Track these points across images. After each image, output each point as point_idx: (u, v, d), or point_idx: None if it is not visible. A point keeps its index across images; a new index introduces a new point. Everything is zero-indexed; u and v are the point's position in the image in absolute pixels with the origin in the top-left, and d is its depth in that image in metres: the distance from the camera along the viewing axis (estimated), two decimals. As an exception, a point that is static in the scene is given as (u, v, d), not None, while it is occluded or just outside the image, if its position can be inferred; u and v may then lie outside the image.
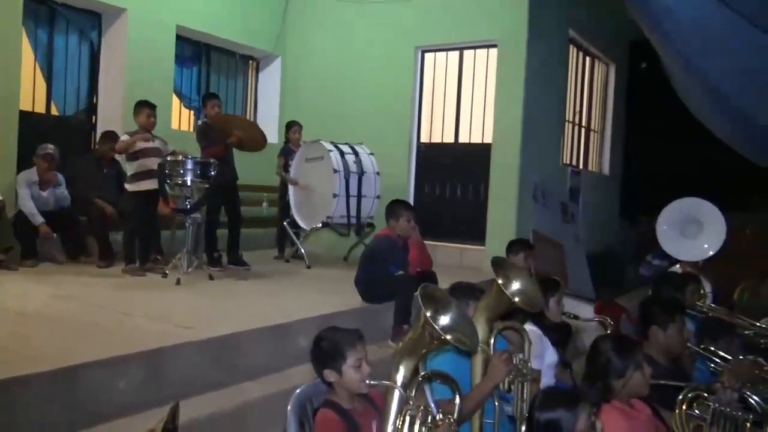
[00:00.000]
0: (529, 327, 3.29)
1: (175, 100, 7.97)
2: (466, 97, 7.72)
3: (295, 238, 6.75)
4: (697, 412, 2.42)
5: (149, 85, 6.95)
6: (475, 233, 7.27)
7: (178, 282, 4.97)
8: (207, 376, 3.31)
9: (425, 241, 5.85)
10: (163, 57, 7.41)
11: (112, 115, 6.98)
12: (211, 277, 5.31)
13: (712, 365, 3.10)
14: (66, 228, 5.84)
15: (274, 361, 3.70)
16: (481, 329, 2.91)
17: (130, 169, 5.56)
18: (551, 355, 3.61)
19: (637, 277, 7.48)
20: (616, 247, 10.03)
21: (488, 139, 7.35)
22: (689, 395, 2.45)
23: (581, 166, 9.20)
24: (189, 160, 5.16)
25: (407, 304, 4.44)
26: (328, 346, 2.44)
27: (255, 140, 6.01)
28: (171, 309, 4.17)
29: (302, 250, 6.62)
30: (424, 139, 7.92)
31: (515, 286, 2.97)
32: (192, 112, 8.36)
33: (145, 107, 5.61)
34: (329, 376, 2.43)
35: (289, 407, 2.42)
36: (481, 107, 7.58)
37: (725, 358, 3.04)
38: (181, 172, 5.14)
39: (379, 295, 4.60)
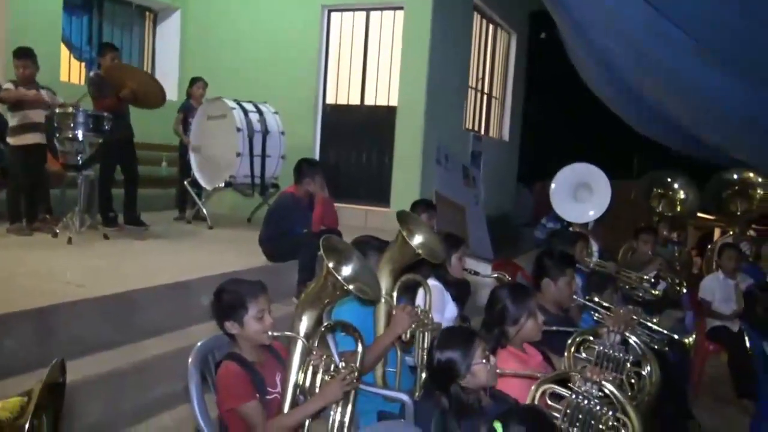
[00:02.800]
0: (431, 281, 3.40)
1: (66, 51, 7.44)
2: (373, 60, 7.70)
3: (196, 198, 6.55)
4: (584, 355, 2.60)
5: (34, 33, 6.44)
6: (380, 195, 7.36)
7: (69, 241, 4.71)
8: (102, 335, 3.18)
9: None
10: (50, 3, 6.87)
11: (-9, 63, 6.44)
12: (105, 237, 5.07)
13: (597, 315, 3.32)
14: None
15: (174, 320, 3.61)
16: (385, 281, 2.98)
17: (12, 120, 5.16)
18: (451, 310, 3.74)
19: (533, 239, 7.88)
20: (514, 210, 10.47)
21: (394, 102, 7.40)
22: (577, 339, 2.62)
23: (482, 132, 9.47)
24: (80, 113, 4.85)
25: (311, 261, 4.44)
26: (229, 298, 2.42)
27: (151, 95, 5.65)
28: (61, 268, 3.94)
29: (204, 211, 6.44)
30: (330, 100, 7.86)
31: (418, 239, 3.06)
32: (83, 64, 7.84)
33: (17, 58, 5.17)
34: (231, 328, 2.41)
35: (190, 360, 2.38)
36: (387, 70, 7.60)
37: (609, 307, 3.26)
38: (72, 125, 4.83)
39: (284, 253, 4.58)
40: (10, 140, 5.17)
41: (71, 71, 7.70)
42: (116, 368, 2.99)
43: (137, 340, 3.32)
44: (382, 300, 2.93)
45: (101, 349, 3.10)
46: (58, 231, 4.93)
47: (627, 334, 2.77)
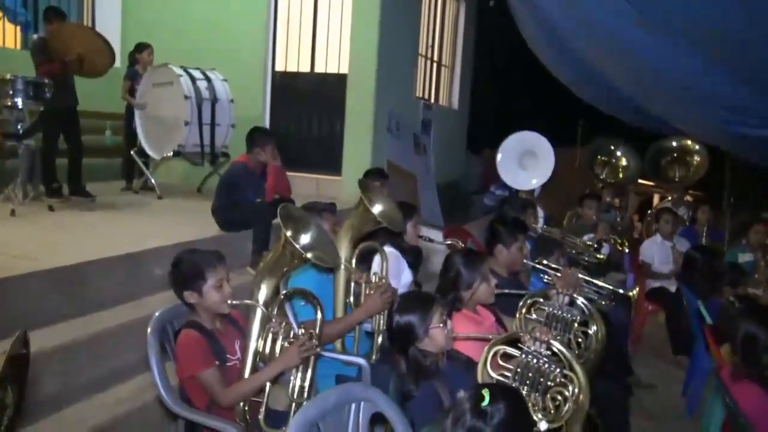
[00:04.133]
0: (387, 248, 3.47)
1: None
2: (322, 26, 7.60)
3: (144, 167, 6.40)
4: (534, 316, 2.72)
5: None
6: (332, 164, 7.35)
7: (12, 213, 4.57)
8: (55, 308, 3.14)
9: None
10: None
11: None
12: (51, 208, 4.94)
13: (546, 277, 3.46)
14: None
15: (128, 291, 3.59)
16: (344, 249, 3.03)
17: (-55, 88, 4.92)
18: (407, 276, 3.84)
19: (482, 206, 8.05)
20: (463, 178, 10.63)
21: (344, 69, 7.35)
22: (528, 302, 2.73)
23: (432, 100, 9.53)
24: (19, 80, 4.67)
25: (266, 231, 4.45)
26: (187, 267, 2.43)
27: (99, 60, 5.44)
28: (7, 240, 3.84)
29: (152, 181, 6.31)
30: (279, 67, 7.74)
31: (379, 207, 3.11)
32: (19, 27, 7.48)
33: None
34: (190, 298, 2.43)
35: (149, 330, 2.40)
36: (337, 36, 7.52)
37: (557, 269, 3.41)
38: (10, 92, 4.66)
39: (237, 223, 4.56)
40: (-57, 109, 4.93)
41: (6, 36, 7.33)
42: (72, 340, 2.97)
43: (91, 311, 3.29)
44: (342, 267, 2.99)
45: (55, 322, 3.06)
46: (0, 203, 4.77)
47: (575, 296, 2.90)
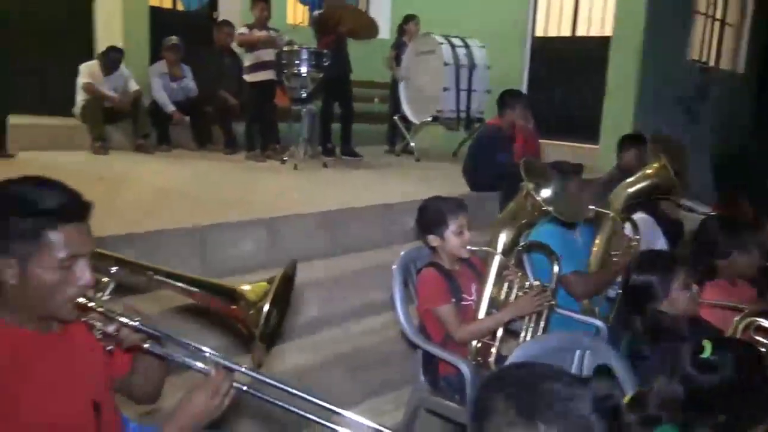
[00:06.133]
0: (641, 215, 3.30)
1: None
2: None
3: (405, 132, 6.87)
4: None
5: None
6: (589, 132, 7.04)
7: (295, 167, 5.28)
8: (319, 245, 3.59)
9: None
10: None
11: (233, 9, 7.23)
12: (325, 165, 5.58)
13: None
14: (193, 117, 6.28)
15: (381, 237, 3.93)
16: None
17: (247, 60, 5.84)
18: (661, 245, 3.60)
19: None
20: (746, 152, 9.35)
21: (608, 32, 6.95)
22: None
23: (712, 63, 8.51)
24: (304, 50, 5.33)
25: (512, 193, 4.47)
26: (432, 213, 2.60)
27: (366, 27, 6.10)
28: (289, 188, 4.52)
29: (412, 144, 6.75)
30: (539, 33, 7.61)
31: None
32: (307, 7, 8.48)
33: (259, 1, 5.81)
34: (433, 241, 2.59)
35: (394, 266, 2.62)
36: (602, -3, 7.14)
37: None
38: (297, 62, 5.32)
39: (485, 183, 4.67)
40: (246, 77, 5.86)
41: (296, 14, 8.37)
42: (331, 275, 3.37)
43: (350, 252, 3.68)
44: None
45: (318, 258, 3.50)
46: (285, 159, 5.54)
47: None
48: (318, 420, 1.38)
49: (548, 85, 7.56)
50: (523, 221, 2.57)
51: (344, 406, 1.38)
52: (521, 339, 2.50)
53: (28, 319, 1.34)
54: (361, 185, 5.00)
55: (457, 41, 6.54)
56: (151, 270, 1.57)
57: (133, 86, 5.95)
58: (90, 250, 1.34)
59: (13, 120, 5.01)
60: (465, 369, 2.30)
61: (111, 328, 1.35)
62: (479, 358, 2.51)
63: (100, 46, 6.16)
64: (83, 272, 1.32)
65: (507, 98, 4.76)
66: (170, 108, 6.03)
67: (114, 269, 1.53)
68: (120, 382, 1.55)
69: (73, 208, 1.30)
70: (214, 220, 3.28)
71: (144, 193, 4.11)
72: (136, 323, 1.35)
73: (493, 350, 2.46)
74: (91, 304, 1.33)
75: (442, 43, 6.39)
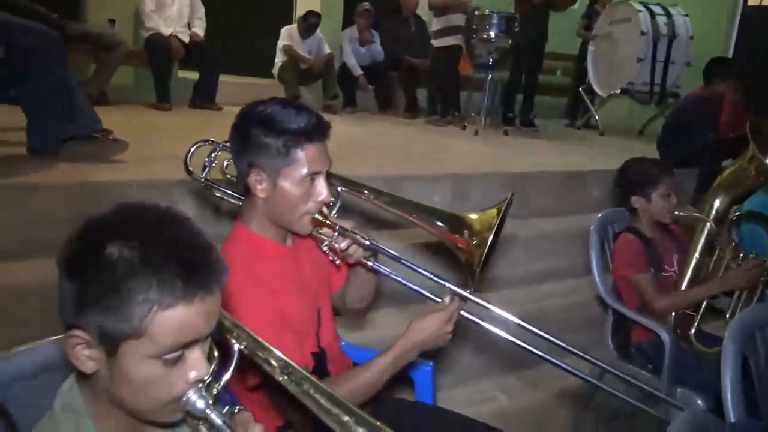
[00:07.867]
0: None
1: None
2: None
3: (589, 104, 6.56)
4: None
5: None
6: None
7: (476, 133, 5.28)
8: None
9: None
10: None
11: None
12: (505, 133, 5.52)
13: None
14: (378, 82, 6.47)
15: (564, 205, 3.81)
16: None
17: (436, 24, 5.86)
18: None
19: None
20: None
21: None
22: None
23: None
24: (494, 15, 5.25)
25: (712, 170, 4.11)
26: (637, 173, 2.47)
27: (560, 4, 5.84)
28: (472, 150, 4.54)
29: (596, 117, 6.43)
30: (752, 1, 6.85)
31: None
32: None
33: None
34: (636, 203, 2.47)
35: (592, 228, 2.53)
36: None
37: None
38: (487, 26, 5.27)
39: (682, 159, 4.31)
40: (434, 42, 5.90)
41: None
42: (515, 237, 3.32)
43: (533, 217, 3.61)
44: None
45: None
46: (466, 125, 5.54)
47: None
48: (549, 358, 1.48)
49: (757, 58, 6.79)
50: (743, 187, 2.36)
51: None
52: (727, 317, 2.32)
53: (273, 232, 1.45)
54: (545, 153, 4.88)
55: (657, 9, 6.09)
56: (373, 192, 1.64)
57: (326, 50, 6.26)
58: (327, 168, 1.43)
59: (222, 78, 5.49)
60: (665, 336, 2.17)
61: (343, 244, 1.44)
62: (678, 331, 2.36)
63: (299, 10, 6.54)
64: (322, 188, 1.40)
65: (715, 67, 4.36)
66: (358, 71, 6.26)
67: (340, 188, 1.63)
68: (335, 294, 1.66)
69: (317, 128, 1.38)
70: (401, 171, 3.39)
71: (333, 145, 4.32)
72: (368, 241, 1.43)
73: (695, 323, 2.30)
74: (327, 221, 1.42)
75: (640, 11, 5.99)
